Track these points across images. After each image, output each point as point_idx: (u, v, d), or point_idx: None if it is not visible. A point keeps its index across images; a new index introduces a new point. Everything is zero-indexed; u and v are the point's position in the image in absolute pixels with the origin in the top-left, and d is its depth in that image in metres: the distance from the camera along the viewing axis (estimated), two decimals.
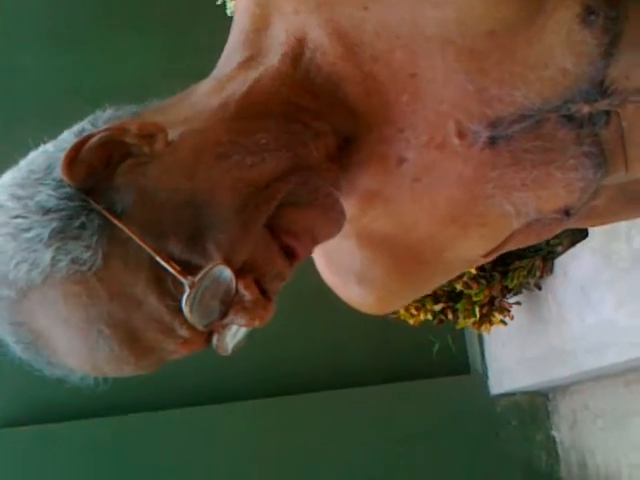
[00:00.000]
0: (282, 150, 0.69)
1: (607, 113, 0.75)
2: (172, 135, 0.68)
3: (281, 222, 0.68)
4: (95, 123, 0.71)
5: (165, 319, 0.64)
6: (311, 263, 0.90)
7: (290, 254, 0.69)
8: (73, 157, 0.65)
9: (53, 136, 0.71)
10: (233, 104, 0.71)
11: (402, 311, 2.70)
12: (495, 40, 0.70)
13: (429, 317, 2.71)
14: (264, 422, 3.21)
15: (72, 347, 0.65)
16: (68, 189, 0.64)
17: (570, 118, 0.74)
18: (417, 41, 0.71)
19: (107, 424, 3.17)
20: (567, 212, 0.79)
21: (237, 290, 0.66)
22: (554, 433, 3.24)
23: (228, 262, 0.64)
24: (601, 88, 0.73)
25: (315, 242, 0.71)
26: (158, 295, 0.63)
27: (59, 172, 0.65)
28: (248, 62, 0.74)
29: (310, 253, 0.71)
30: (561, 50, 0.71)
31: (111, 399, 3.18)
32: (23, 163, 0.69)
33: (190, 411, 3.21)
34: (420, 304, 2.69)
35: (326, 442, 3.22)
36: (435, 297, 2.70)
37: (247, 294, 0.66)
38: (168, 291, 0.63)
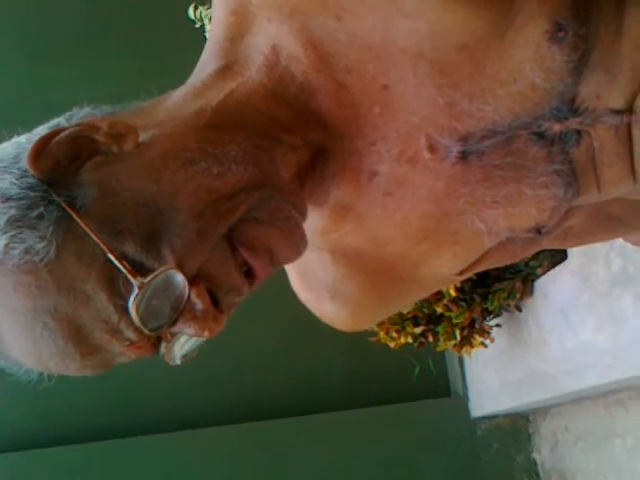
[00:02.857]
0: (249, 164, 0.69)
1: (578, 132, 0.75)
2: (143, 137, 0.68)
3: (241, 236, 0.68)
4: (70, 119, 0.71)
5: (112, 319, 0.64)
6: (289, 286, 0.90)
7: (249, 273, 0.69)
8: (41, 148, 0.65)
9: None
10: (208, 112, 0.71)
11: (382, 334, 2.70)
12: (466, 54, 0.70)
13: (409, 340, 2.70)
14: (243, 447, 3.18)
15: (17, 337, 0.65)
16: (31, 179, 0.65)
17: (541, 136, 0.75)
18: (389, 52, 0.71)
19: (83, 451, 3.12)
20: (539, 231, 0.79)
21: (189, 297, 0.66)
22: (535, 455, 3.23)
23: (181, 267, 0.64)
24: (572, 106, 0.74)
25: (273, 263, 0.71)
26: (107, 293, 0.63)
27: (25, 162, 0.65)
28: (224, 71, 0.75)
29: (268, 274, 0.71)
30: (530, 66, 0.71)
31: (87, 425, 3.15)
32: None
33: (167, 437, 3.18)
34: (400, 327, 2.69)
35: (306, 466, 3.19)
36: (415, 320, 2.70)
37: (199, 303, 0.66)
38: (118, 291, 0.63)
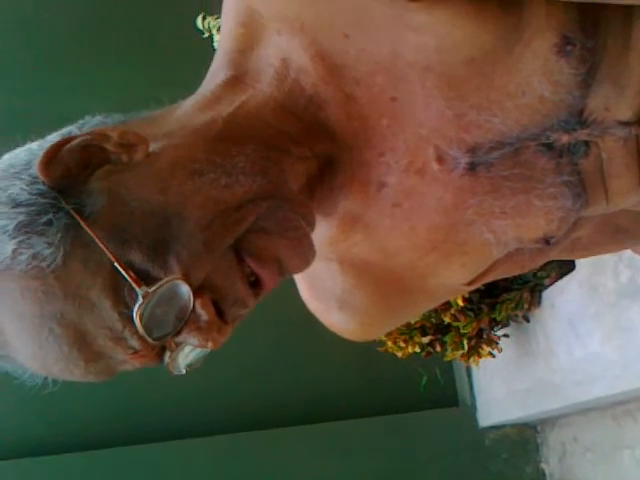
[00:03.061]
0: (258, 175, 0.69)
1: (586, 144, 0.75)
2: (153, 147, 0.69)
3: (249, 246, 0.68)
4: (82, 127, 0.72)
5: (116, 326, 0.65)
6: (296, 294, 0.90)
7: (256, 284, 0.70)
8: (52, 156, 0.66)
9: None
10: (219, 124, 0.72)
11: (390, 343, 2.69)
12: (474, 68, 0.71)
13: (417, 350, 2.69)
14: (249, 456, 3.17)
15: (24, 342, 0.66)
16: (41, 186, 0.66)
17: (549, 147, 0.75)
18: (397, 66, 0.71)
19: (88, 458, 3.11)
20: (547, 241, 0.79)
21: (194, 308, 0.66)
22: (543, 466, 3.22)
23: (187, 278, 0.65)
24: (580, 118, 0.74)
25: (282, 273, 0.71)
26: (112, 301, 0.64)
27: (36, 168, 0.66)
28: (234, 82, 0.75)
29: (276, 284, 0.71)
30: (538, 79, 0.71)
31: (93, 432, 3.15)
32: (6, 157, 0.70)
33: (173, 445, 3.17)
34: (408, 336, 2.68)
35: (312, 476, 3.18)
36: (423, 329, 2.69)
37: (203, 314, 0.67)
38: (123, 299, 0.64)
